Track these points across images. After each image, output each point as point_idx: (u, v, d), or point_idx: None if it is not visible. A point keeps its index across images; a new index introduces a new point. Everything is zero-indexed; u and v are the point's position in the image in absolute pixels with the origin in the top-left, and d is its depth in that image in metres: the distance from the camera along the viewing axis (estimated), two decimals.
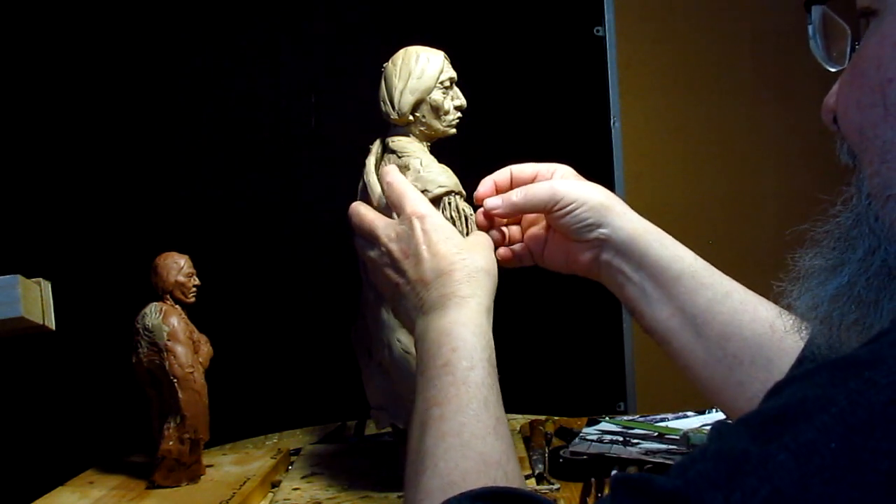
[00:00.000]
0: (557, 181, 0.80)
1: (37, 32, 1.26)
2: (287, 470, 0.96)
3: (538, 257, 0.85)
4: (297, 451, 1.02)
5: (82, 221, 1.28)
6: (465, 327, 0.62)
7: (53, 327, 0.82)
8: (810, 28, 0.52)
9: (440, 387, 0.58)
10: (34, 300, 0.79)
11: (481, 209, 0.81)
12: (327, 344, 1.15)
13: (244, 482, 0.89)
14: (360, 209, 0.73)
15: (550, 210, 0.78)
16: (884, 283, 0.46)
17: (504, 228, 0.85)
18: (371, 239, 0.71)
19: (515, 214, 0.82)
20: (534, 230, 0.85)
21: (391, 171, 0.74)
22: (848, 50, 0.50)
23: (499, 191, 0.84)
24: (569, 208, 0.77)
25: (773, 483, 0.32)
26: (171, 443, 0.88)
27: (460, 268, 0.66)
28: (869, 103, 0.47)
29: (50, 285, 0.82)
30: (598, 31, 1.48)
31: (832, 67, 0.52)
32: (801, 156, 1.94)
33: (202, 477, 0.91)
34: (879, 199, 0.46)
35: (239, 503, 0.84)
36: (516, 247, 0.85)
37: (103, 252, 1.28)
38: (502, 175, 0.84)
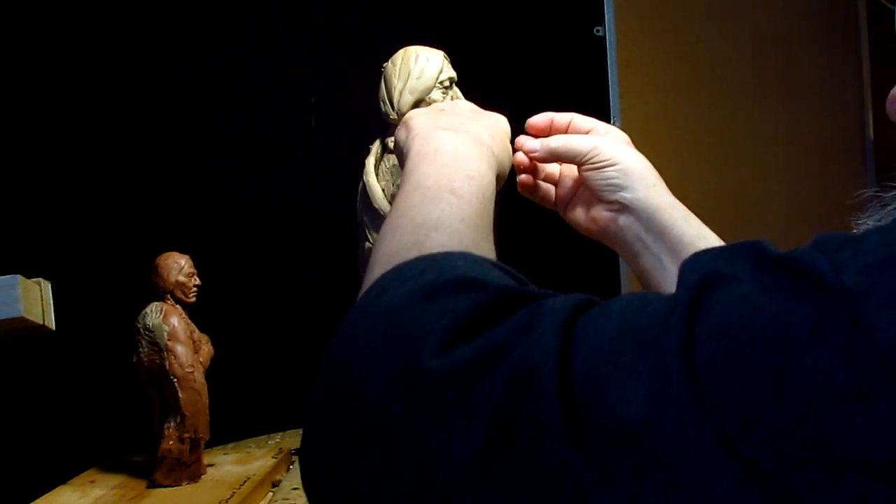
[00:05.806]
0: (602, 138, 0.80)
1: (37, 32, 1.26)
2: (288, 470, 0.96)
3: (561, 206, 0.84)
4: (298, 451, 1.02)
5: (82, 221, 1.28)
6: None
7: (53, 327, 0.82)
8: None
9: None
10: (34, 300, 0.79)
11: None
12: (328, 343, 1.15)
13: (244, 482, 0.89)
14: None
15: (584, 162, 0.78)
16: None
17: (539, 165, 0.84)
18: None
19: (551, 160, 0.83)
20: (567, 179, 0.85)
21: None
22: None
23: (554, 129, 0.84)
24: (601, 164, 0.77)
25: None
26: (171, 442, 0.88)
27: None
28: None
29: (50, 285, 0.82)
30: (598, 31, 1.48)
31: None
32: (802, 155, 1.94)
33: (203, 476, 0.91)
34: None
35: (239, 503, 0.84)
36: (545, 185, 0.84)
37: (103, 252, 1.27)
38: (561, 118, 0.84)
